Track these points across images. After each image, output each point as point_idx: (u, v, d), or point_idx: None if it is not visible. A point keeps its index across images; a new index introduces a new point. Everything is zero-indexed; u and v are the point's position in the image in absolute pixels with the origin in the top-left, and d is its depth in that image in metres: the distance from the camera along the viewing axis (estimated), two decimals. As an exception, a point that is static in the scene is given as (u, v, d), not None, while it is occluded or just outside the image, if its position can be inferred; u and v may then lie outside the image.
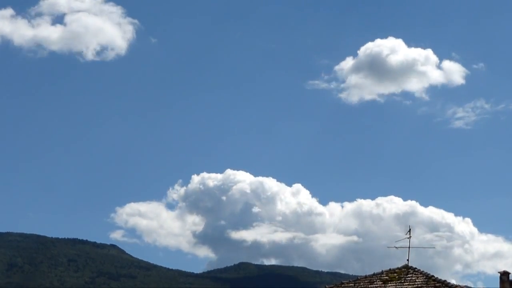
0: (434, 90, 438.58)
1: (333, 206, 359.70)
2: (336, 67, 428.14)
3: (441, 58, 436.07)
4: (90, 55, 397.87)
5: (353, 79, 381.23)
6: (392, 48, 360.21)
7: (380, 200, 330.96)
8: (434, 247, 44.60)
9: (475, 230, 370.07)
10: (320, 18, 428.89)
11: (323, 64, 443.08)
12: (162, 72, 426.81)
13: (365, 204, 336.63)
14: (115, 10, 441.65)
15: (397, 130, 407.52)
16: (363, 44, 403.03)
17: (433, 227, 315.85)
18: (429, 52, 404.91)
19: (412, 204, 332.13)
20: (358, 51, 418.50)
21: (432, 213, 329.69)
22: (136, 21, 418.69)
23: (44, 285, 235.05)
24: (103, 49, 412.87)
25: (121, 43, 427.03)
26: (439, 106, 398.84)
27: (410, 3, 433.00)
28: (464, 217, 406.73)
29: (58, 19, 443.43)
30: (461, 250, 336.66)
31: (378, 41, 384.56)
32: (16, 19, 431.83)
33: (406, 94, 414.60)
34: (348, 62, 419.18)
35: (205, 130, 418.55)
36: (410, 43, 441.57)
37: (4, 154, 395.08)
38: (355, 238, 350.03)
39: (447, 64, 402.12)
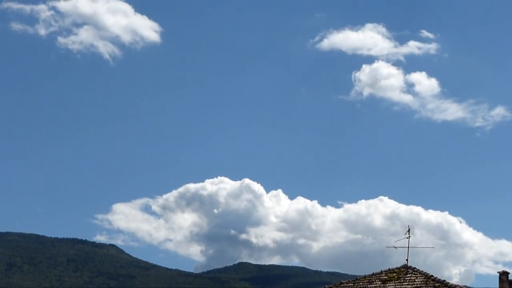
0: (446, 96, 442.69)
1: (333, 207, 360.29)
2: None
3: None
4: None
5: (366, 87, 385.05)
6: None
7: (380, 202, 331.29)
8: (434, 247, 44.48)
9: (475, 232, 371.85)
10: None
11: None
12: (164, 74, 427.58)
13: (365, 206, 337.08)
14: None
15: (404, 134, 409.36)
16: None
17: (433, 228, 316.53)
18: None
19: (413, 207, 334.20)
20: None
21: (433, 215, 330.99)
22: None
23: (44, 285, 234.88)
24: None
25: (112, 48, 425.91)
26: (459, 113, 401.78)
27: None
28: (464, 219, 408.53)
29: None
30: (461, 250, 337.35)
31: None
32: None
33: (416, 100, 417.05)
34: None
35: (204, 135, 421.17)
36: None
37: (4, 154, 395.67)
38: (354, 238, 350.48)
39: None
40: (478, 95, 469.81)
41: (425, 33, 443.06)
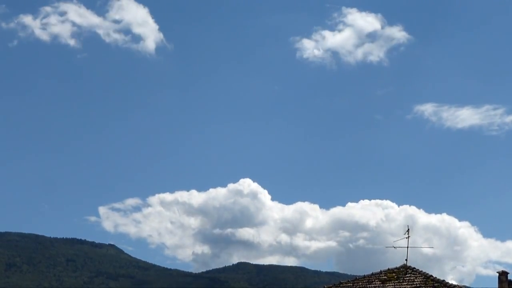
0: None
1: (333, 207, 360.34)
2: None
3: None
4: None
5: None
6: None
7: (381, 203, 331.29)
8: (433, 247, 44.64)
9: (476, 233, 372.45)
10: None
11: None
12: (159, 76, 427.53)
13: (366, 207, 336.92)
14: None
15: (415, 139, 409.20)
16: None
17: (432, 229, 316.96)
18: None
19: (413, 208, 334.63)
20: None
21: (433, 216, 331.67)
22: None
23: (43, 285, 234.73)
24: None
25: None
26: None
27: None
28: (467, 221, 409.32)
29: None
30: (461, 251, 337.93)
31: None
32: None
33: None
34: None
35: (203, 135, 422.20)
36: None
37: (3, 154, 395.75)
38: (353, 238, 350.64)
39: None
40: (494, 102, 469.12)
41: (434, 37, 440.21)
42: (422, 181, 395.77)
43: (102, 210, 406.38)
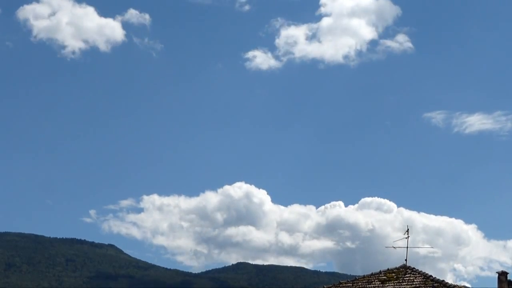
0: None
1: (333, 208, 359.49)
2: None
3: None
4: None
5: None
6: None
7: (381, 203, 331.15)
8: (432, 247, 44.64)
9: (475, 233, 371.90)
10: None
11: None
12: (155, 77, 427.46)
13: (365, 207, 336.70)
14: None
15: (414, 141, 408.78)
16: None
17: (432, 230, 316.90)
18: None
19: (413, 209, 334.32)
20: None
21: (432, 217, 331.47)
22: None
23: (42, 285, 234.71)
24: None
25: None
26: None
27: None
28: (468, 221, 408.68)
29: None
30: (460, 250, 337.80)
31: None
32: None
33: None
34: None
35: (201, 136, 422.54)
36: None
37: (3, 154, 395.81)
38: (353, 238, 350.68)
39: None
40: (505, 108, 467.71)
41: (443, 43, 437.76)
42: (425, 183, 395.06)
43: (101, 210, 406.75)
